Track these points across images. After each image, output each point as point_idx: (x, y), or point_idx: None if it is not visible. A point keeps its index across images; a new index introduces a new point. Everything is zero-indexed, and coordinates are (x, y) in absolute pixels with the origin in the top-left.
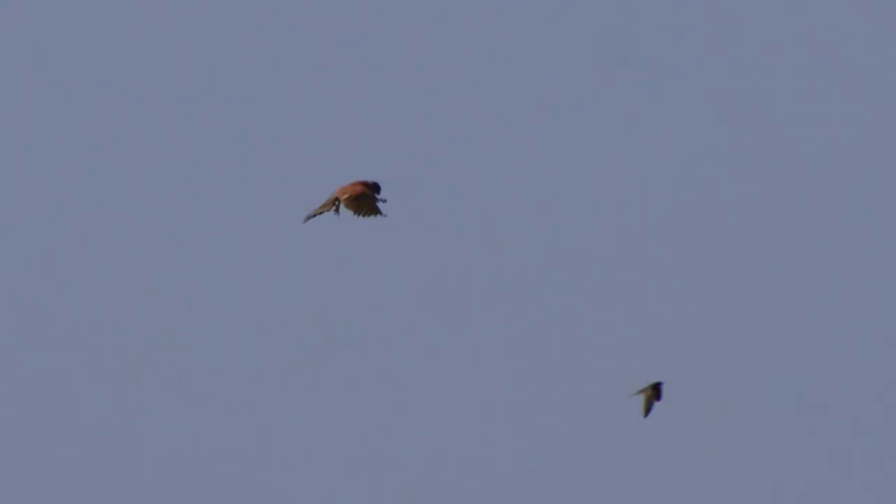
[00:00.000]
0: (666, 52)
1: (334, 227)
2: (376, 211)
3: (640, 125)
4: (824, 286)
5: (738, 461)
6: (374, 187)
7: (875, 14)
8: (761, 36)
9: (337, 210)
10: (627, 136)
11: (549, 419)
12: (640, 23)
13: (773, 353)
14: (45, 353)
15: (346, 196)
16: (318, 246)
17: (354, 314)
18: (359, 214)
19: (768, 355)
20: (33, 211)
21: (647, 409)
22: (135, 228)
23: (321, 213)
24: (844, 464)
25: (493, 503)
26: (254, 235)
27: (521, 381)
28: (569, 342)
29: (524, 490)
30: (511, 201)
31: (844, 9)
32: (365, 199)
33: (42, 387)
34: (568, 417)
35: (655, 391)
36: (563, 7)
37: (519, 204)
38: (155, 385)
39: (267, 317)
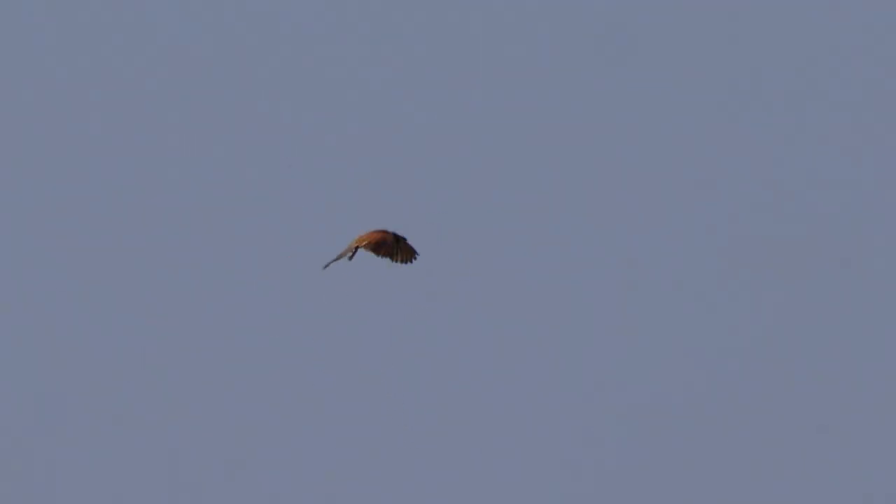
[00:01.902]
0: (667, 50)
1: (331, 228)
2: (412, 253)
3: (640, 123)
4: (822, 281)
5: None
6: (394, 236)
7: (865, 13)
8: (762, 34)
9: (352, 257)
10: (627, 135)
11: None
12: (641, 21)
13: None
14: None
15: (364, 243)
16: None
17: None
18: (395, 260)
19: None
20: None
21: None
22: (130, 229)
23: (340, 258)
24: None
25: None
26: (248, 240)
27: (517, 384)
28: (570, 345)
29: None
30: (511, 201)
31: (845, 9)
32: (388, 247)
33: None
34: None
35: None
36: (565, 5)
37: (520, 204)
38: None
39: (261, 318)
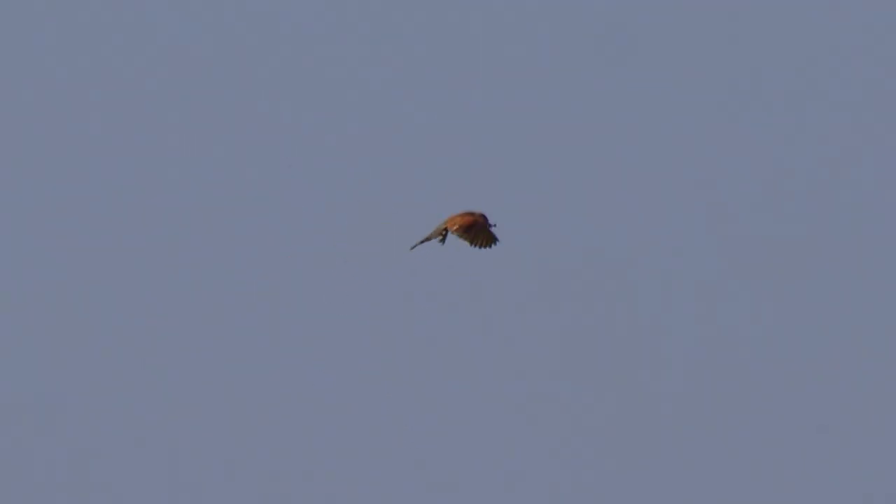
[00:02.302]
0: (667, 50)
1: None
2: (491, 239)
3: (640, 123)
4: (822, 280)
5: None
6: (484, 218)
7: (865, 13)
8: (762, 34)
9: (443, 240)
10: (627, 134)
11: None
12: (641, 21)
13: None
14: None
15: (455, 227)
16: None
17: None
18: (474, 244)
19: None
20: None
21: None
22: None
23: (428, 240)
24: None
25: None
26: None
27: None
28: (568, 344)
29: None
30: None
31: (845, 9)
32: (476, 230)
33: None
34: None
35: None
36: (566, 6)
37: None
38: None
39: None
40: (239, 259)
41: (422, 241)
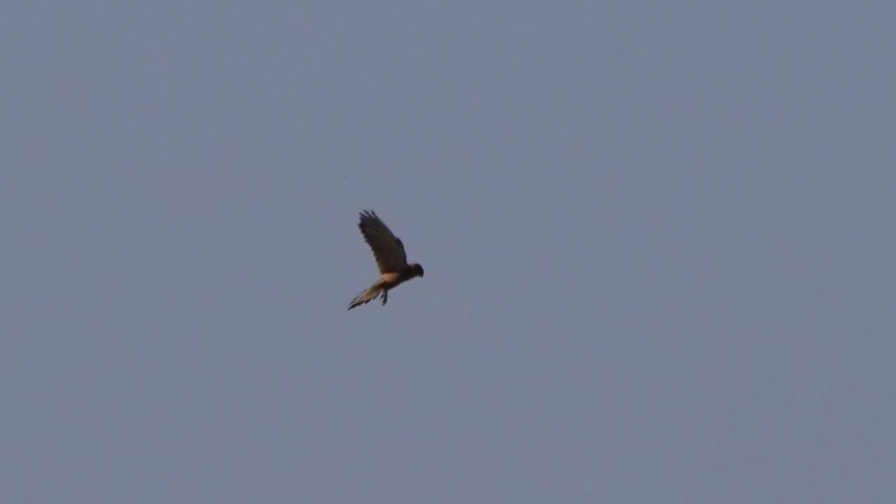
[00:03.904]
0: (668, 51)
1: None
2: (419, 270)
3: (641, 124)
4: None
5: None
6: (418, 269)
7: (865, 14)
8: (763, 36)
9: (384, 300)
10: (628, 136)
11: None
12: (643, 20)
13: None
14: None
15: (392, 279)
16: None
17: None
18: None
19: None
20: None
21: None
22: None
23: (367, 300)
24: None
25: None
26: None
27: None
28: (564, 341)
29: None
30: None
31: (852, 8)
32: (408, 274)
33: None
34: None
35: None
36: (566, 7)
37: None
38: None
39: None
40: (236, 261)
41: (360, 302)
